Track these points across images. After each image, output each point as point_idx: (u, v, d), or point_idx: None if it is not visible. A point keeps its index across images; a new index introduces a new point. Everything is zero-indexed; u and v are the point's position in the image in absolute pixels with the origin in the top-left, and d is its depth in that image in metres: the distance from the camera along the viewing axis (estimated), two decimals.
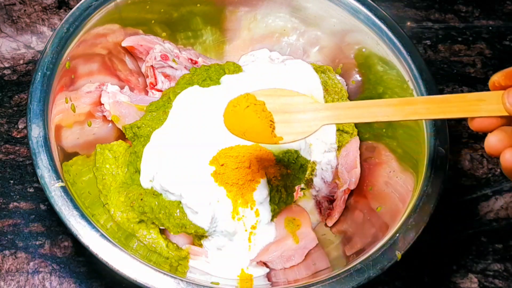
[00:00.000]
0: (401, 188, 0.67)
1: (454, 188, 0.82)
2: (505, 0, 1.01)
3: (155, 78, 0.76)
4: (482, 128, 0.51)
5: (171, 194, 0.64)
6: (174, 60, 0.76)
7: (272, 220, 0.68)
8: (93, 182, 0.68)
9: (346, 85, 0.80)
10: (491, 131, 0.51)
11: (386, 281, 0.75)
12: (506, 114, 0.50)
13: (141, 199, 0.65)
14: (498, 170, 0.85)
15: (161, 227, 0.66)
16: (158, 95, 0.77)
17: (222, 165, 0.64)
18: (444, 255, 0.78)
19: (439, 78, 0.91)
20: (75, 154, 0.67)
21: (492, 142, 0.50)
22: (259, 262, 0.66)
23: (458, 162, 0.85)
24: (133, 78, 0.78)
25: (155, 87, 0.77)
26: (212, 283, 0.59)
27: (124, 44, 0.75)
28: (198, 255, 0.66)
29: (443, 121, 0.67)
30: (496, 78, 0.50)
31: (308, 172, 0.73)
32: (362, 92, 0.79)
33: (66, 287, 0.70)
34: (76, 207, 0.57)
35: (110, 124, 0.74)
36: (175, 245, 0.67)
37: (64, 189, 0.58)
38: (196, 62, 0.78)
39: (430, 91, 0.68)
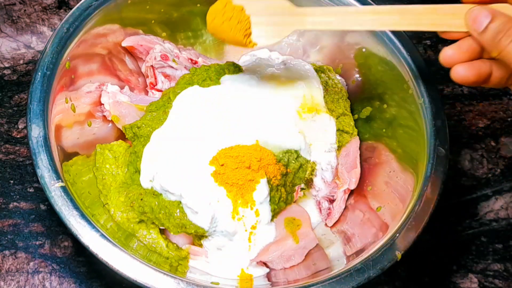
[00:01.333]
0: (401, 188, 0.67)
1: (454, 188, 0.82)
2: (505, 0, 1.01)
3: (155, 78, 0.76)
4: (449, 37, 0.53)
5: (171, 194, 0.64)
6: (174, 60, 0.76)
7: (272, 220, 0.68)
8: (93, 182, 0.68)
9: (346, 85, 0.80)
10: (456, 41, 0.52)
11: (386, 281, 0.75)
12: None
13: (141, 199, 0.65)
14: (498, 170, 0.85)
15: (161, 227, 0.66)
16: (158, 95, 0.77)
17: (222, 165, 0.64)
18: (444, 255, 0.78)
19: (439, 78, 0.91)
20: (75, 154, 0.67)
21: (447, 54, 0.52)
22: (259, 262, 0.66)
23: (458, 162, 0.85)
24: (133, 78, 0.78)
25: (155, 87, 0.77)
26: (212, 283, 0.59)
27: (124, 44, 0.75)
28: (198, 255, 0.66)
29: (443, 121, 0.67)
30: None
31: (308, 172, 0.73)
32: (362, 92, 0.79)
33: (66, 287, 0.70)
34: (76, 207, 0.57)
35: (110, 124, 0.74)
36: (175, 245, 0.67)
37: (64, 189, 0.58)
38: (196, 62, 0.78)
39: (430, 91, 0.68)
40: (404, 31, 0.73)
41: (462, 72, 0.51)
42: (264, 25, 0.57)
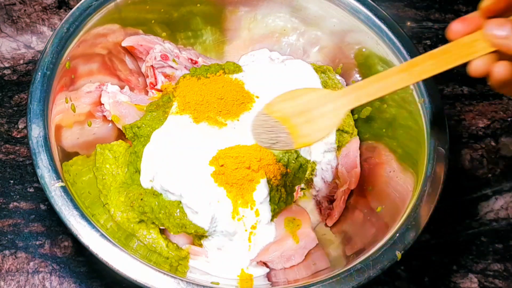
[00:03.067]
0: (401, 188, 0.67)
1: (454, 188, 0.82)
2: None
3: (155, 78, 0.76)
4: (481, 72, 0.52)
5: (171, 194, 0.64)
6: (174, 60, 0.76)
7: (272, 220, 0.68)
8: (93, 182, 0.68)
9: (346, 85, 0.80)
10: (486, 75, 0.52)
11: (386, 281, 0.75)
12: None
13: (141, 199, 0.65)
14: (498, 170, 0.85)
15: (161, 227, 0.66)
16: (158, 95, 0.77)
17: (222, 165, 0.64)
18: (444, 255, 0.78)
19: (439, 77, 0.90)
20: (75, 154, 0.67)
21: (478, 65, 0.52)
22: (259, 262, 0.66)
23: (458, 162, 0.85)
24: (133, 78, 0.78)
25: (155, 87, 0.77)
26: (212, 283, 0.59)
27: (124, 44, 0.75)
28: (198, 255, 0.66)
29: (443, 121, 0.67)
30: (489, 2, 0.51)
31: (308, 172, 0.73)
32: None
33: (66, 287, 0.70)
34: (76, 207, 0.57)
35: (110, 124, 0.74)
36: (175, 245, 0.67)
37: (64, 189, 0.58)
38: (196, 62, 0.78)
39: (430, 91, 0.68)
40: (404, 31, 0.73)
41: (501, 70, 0.51)
42: (311, 120, 0.56)
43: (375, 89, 0.55)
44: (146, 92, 0.78)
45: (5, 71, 0.84)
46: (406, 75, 0.54)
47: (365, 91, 0.55)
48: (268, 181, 0.66)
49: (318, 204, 0.74)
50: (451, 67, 0.53)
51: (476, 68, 0.52)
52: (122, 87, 0.75)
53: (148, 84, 0.78)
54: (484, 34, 0.51)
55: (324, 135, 0.56)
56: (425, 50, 0.94)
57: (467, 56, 0.52)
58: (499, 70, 0.51)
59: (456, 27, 0.53)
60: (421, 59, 0.54)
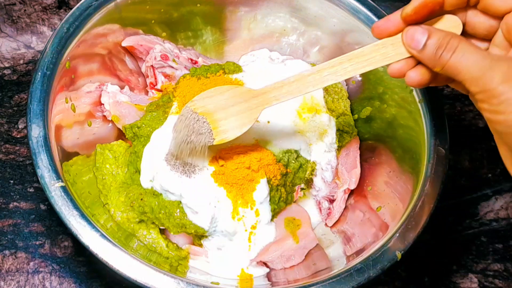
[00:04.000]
0: (401, 188, 0.67)
1: (454, 188, 0.82)
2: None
3: (155, 78, 0.76)
4: (399, 75, 0.53)
5: (171, 194, 0.64)
6: (174, 60, 0.76)
7: (272, 220, 0.68)
8: (93, 182, 0.68)
9: (346, 85, 0.80)
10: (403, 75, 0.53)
11: (386, 281, 0.75)
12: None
13: (141, 199, 0.65)
14: (499, 170, 0.85)
15: (161, 227, 0.66)
16: (158, 95, 0.77)
17: (222, 165, 0.64)
18: (444, 255, 0.78)
19: None
20: (75, 154, 0.67)
21: (395, 67, 0.53)
22: (259, 262, 0.66)
23: (458, 162, 0.85)
24: (133, 78, 0.78)
25: (155, 87, 0.77)
26: (212, 283, 0.59)
27: (124, 44, 0.75)
28: (198, 255, 0.66)
29: (443, 121, 0.67)
30: (411, 11, 0.51)
31: (308, 172, 0.73)
32: (362, 92, 0.79)
33: (66, 287, 0.70)
34: (76, 207, 0.57)
35: (110, 124, 0.74)
36: (175, 245, 0.67)
37: (64, 189, 0.58)
38: (196, 62, 0.78)
39: (430, 91, 0.68)
40: None
41: (415, 76, 0.52)
42: (230, 117, 0.58)
43: (285, 92, 0.56)
44: (146, 92, 0.78)
45: (5, 71, 0.84)
46: (322, 77, 0.55)
47: (282, 90, 0.56)
48: (268, 181, 0.66)
49: (318, 204, 0.74)
50: (368, 70, 0.54)
51: (392, 71, 0.53)
52: (122, 87, 0.75)
53: (148, 84, 0.78)
54: (402, 40, 0.51)
55: (240, 132, 0.58)
56: None
57: (384, 60, 0.53)
58: (413, 76, 0.52)
59: (380, 26, 0.53)
60: (338, 61, 0.55)
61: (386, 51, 0.53)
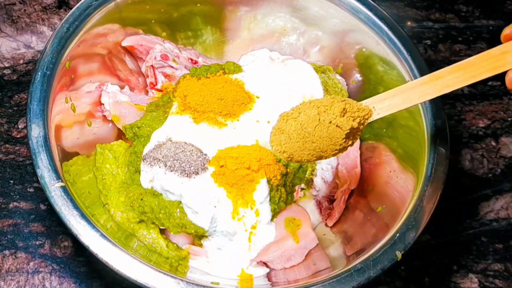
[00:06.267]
0: (401, 188, 0.67)
1: (454, 188, 0.82)
2: (505, 0, 1.01)
3: (155, 78, 0.76)
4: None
5: (171, 194, 0.64)
6: (174, 60, 0.76)
7: (272, 220, 0.68)
8: (93, 182, 0.68)
9: (347, 85, 0.80)
10: None
11: (386, 281, 0.74)
12: None
13: (141, 199, 0.65)
14: (499, 170, 0.85)
15: (161, 227, 0.66)
16: (158, 95, 0.77)
17: (222, 166, 0.64)
18: (444, 255, 0.78)
19: None
20: (75, 154, 0.67)
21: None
22: (259, 262, 0.66)
23: (458, 162, 0.85)
24: (133, 78, 0.78)
25: (155, 87, 0.77)
26: (212, 283, 0.59)
27: (124, 44, 0.75)
28: (198, 255, 0.66)
29: (443, 121, 0.67)
30: (509, 31, 0.50)
31: (308, 172, 0.73)
32: (363, 92, 0.79)
33: (66, 287, 0.70)
34: (76, 207, 0.57)
35: (110, 124, 0.74)
36: (175, 245, 0.66)
37: (64, 189, 0.58)
38: (196, 62, 0.78)
39: None
40: (404, 31, 0.73)
41: None
42: None
43: (396, 102, 0.54)
44: (146, 92, 0.78)
45: (5, 71, 0.84)
46: (429, 88, 0.53)
47: (387, 103, 0.54)
48: (268, 181, 0.66)
49: (318, 204, 0.74)
50: (478, 80, 0.51)
51: (511, 81, 0.50)
52: (122, 87, 0.75)
53: (148, 84, 0.78)
54: None
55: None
56: (425, 50, 0.94)
57: (496, 69, 0.50)
58: None
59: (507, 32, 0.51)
60: (443, 72, 0.52)
61: (499, 57, 0.50)
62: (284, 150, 0.55)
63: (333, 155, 0.54)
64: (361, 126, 0.54)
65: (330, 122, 0.52)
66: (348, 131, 0.52)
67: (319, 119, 0.52)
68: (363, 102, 0.55)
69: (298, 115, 0.54)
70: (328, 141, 0.53)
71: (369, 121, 0.54)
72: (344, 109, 0.52)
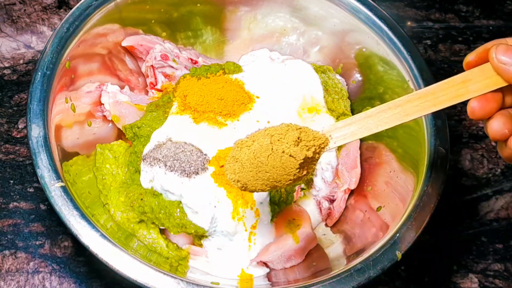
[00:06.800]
0: (401, 188, 0.67)
1: (454, 188, 0.82)
2: (505, 0, 1.01)
3: (155, 78, 0.76)
4: (481, 115, 0.49)
5: (171, 194, 0.64)
6: (174, 60, 0.76)
7: (272, 220, 0.68)
8: (93, 182, 0.68)
9: (347, 85, 0.80)
10: (489, 118, 0.49)
11: (386, 281, 0.74)
12: (494, 87, 0.48)
13: (141, 199, 0.65)
14: (499, 170, 0.85)
15: (161, 227, 0.66)
16: (158, 95, 0.77)
17: (222, 166, 0.64)
18: (444, 255, 0.78)
19: (439, 78, 0.90)
20: (75, 154, 0.67)
21: (495, 127, 0.48)
22: (259, 262, 0.66)
23: (459, 162, 0.85)
24: (133, 78, 0.78)
25: (155, 87, 0.77)
26: (212, 283, 0.59)
27: (124, 44, 0.75)
28: (198, 255, 0.66)
29: (443, 121, 0.67)
30: (472, 58, 0.49)
31: None
32: (363, 92, 0.79)
33: (66, 287, 0.70)
34: (76, 207, 0.57)
35: (110, 124, 0.74)
36: (175, 245, 0.66)
37: (64, 189, 0.58)
38: (196, 62, 0.78)
39: None
40: (404, 31, 0.73)
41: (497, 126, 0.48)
42: None
43: (353, 131, 0.53)
44: (146, 92, 0.78)
45: (5, 71, 0.84)
46: (389, 116, 0.51)
47: (344, 131, 0.53)
48: None
49: (318, 204, 0.74)
50: (437, 110, 0.51)
51: (472, 110, 0.49)
52: (122, 87, 0.75)
53: (148, 84, 0.78)
54: (493, 61, 0.47)
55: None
56: (425, 50, 0.94)
57: (456, 98, 0.50)
58: (495, 126, 0.48)
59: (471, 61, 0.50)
60: (407, 99, 0.51)
61: (462, 87, 0.49)
62: (238, 179, 0.53)
63: (287, 185, 0.52)
64: (317, 155, 0.52)
65: (283, 151, 0.50)
66: (302, 160, 0.50)
67: (272, 148, 0.50)
68: (320, 130, 0.53)
69: (252, 143, 0.52)
70: (282, 171, 0.51)
71: (325, 150, 0.53)
72: (298, 137, 0.51)
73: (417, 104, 0.51)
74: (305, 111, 0.72)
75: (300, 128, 0.52)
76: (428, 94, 0.51)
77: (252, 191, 0.54)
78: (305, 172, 0.52)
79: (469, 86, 0.49)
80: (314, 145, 0.51)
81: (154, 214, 0.64)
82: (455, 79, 0.50)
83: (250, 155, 0.51)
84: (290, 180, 0.52)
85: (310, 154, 0.51)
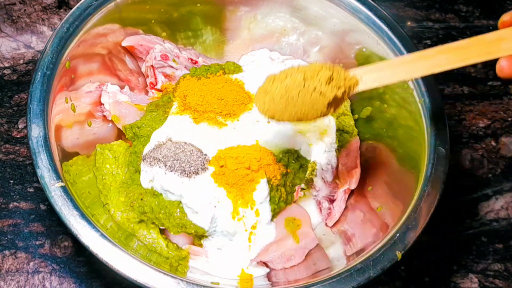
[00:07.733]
0: (402, 188, 0.67)
1: (454, 188, 0.82)
2: (505, 0, 1.01)
3: (155, 78, 0.76)
4: (509, 73, 0.49)
5: (171, 194, 0.64)
6: (174, 60, 0.76)
7: (272, 220, 0.68)
8: (93, 182, 0.68)
9: None
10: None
11: (386, 281, 0.74)
12: None
13: (141, 199, 0.65)
14: (499, 170, 0.85)
15: (161, 227, 0.66)
16: (158, 95, 0.77)
17: (222, 166, 0.64)
18: (444, 255, 0.78)
19: (439, 78, 0.91)
20: (75, 154, 0.67)
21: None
22: (259, 262, 0.66)
23: (458, 162, 0.85)
24: (133, 78, 0.78)
25: (155, 87, 0.77)
26: (212, 283, 0.59)
27: (124, 44, 0.75)
28: (198, 255, 0.66)
29: (443, 121, 0.67)
30: (507, 18, 0.49)
31: (308, 172, 0.73)
32: (363, 92, 0.78)
33: (66, 287, 0.70)
34: (76, 207, 0.57)
35: (110, 124, 0.74)
36: (175, 245, 0.66)
37: (64, 189, 0.58)
38: (196, 62, 0.78)
39: (430, 91, 0.68)
40: (404, 31, 0.73)
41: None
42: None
43: (383, 75, 0.54)
44: (146, 92, 0.78)
45: (5, 71, 0.84)
46: (416, 67, 0.52)
47: (374, 75, 0.54)
48: (268, 181, 0.66)
49: (319, 204, 0.74)
50: (467, 65, 0.50)
51: (501, 69, 0.49)
52: (122, 87, 0.75)
53: (148, 84, 0.78)
54: None
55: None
56: None
57: (488, 55, 0.49)
58: None
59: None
60: (432, 51, 0.51)
61: (492, 43, 0.49)
62: (267, 109, 0.56)
63: (314, 120, 0.55)
64: (346, 95, 0.54)
65: (315, 89, 0.52)
66: (331, 100, 0.52)
67: (304, 85, 0.52)
68: (351, 71, 0.55)
69: (284, 77, 0.54)
70: (310, 107, 0.53)
71: (354, 91, 0.54)
72: (330, 77, 0.52)
73: (447, 57, 0.51)
74: None
75: (333, 68, 0.53)
76: (460, 48, 0.51)
77: (279, 121, 0.56)
78: (332, 110, 0.54)
79: (502, 45, 0.49)
80: (345, 85, 0.53)
81: (154, 214, 0.64)
82: (488, 36, 0.50)
83: (281, 89, 0.53)
84: (317, 116, 0.54)
85: (339, 94, 0.52)
